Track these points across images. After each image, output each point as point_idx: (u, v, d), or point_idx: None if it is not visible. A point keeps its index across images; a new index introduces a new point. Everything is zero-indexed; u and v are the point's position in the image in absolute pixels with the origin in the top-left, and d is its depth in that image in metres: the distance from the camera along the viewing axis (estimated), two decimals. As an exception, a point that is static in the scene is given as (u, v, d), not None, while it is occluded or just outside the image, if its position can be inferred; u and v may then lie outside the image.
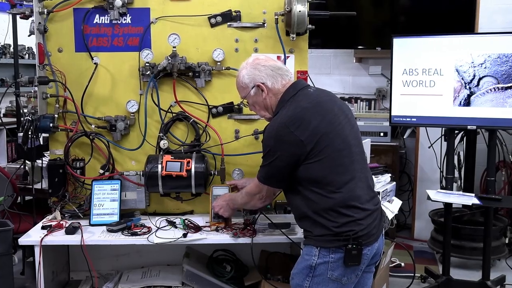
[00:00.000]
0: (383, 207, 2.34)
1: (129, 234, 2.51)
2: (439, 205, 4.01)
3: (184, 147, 2.79)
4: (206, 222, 2.62)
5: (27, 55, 5.46)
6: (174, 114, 2.79)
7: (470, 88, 3.17)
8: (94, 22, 2.75)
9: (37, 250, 2.41)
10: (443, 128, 3.73)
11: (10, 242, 2.50)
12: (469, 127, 3.23)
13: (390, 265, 3.49)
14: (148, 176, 2.62)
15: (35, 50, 2.76)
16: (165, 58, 2.69)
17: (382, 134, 4.55)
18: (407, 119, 3.38)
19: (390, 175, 3.03)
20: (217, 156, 2.79)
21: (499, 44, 3.11)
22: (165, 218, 2.69)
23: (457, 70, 3.19)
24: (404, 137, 4.88)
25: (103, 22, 2.75)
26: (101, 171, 2.74)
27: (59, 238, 2.48)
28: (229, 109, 2.81)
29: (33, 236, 2.48)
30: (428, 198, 3.22)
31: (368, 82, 5.05)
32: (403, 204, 3.77)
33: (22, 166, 3.31)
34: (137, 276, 2.84)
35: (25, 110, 2.68)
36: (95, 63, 2.73)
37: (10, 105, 4.93)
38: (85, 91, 2.74)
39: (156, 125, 2.79)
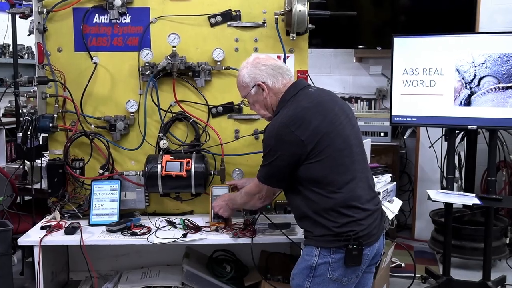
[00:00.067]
0: (383, 207, 2.33)
1: (129, 234, 2.51)
2: (440, 205, 4.00)
3: (184, 147, 2.78)
4: (206, 222, 2.62)
5: (26, 54, 5.46)
6: (173, 114, 2.78)
7: (470, 88, 3.17)
8: (94, 21, 2.74)
9: (36, 250, 2.40)
10: (444, 128, 3.73)
11: (9, 242, 2.49)
12: (469, 127, 3.23)
13: (390, 266, 3.49)
14: (148, 176, 2.61)
15: (34, 49, 2.76)
16: (164, 57, 2.68)
17: (382, 134, 4.54)
18: (408, 119, 3.37)
19: (390, 175, 3.02)
20: (217, 156, 2.78)
21: (499, 44, 3.10)
22: (164, 218, 2.68)
23: (457, 70, 3.19)
24: (405, 137, 4.88)
25: (102, 21, 2.75)
26: (101, 171, 2.73)
27: (58, 238, 2.48)
28: (229, 109, 2.80)
29: (33, 236, 2.47)
30: (429, 198, 3.22)
31: (369, 82, 5.05)
32: (404, 204, 3.76)
33: (21, 166, 3.30)
34: (137, 276, 2.84)
35: (25, 110, 2.68)
36: (94, 63, 2.72)
37: (9, 105, 4.93)
38: (84, 91, 2.74)
39: (156, 125, 2.78)
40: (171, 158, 2.62)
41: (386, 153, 4.48)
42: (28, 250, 3.06)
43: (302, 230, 2.20)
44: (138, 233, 2.52)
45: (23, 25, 3.36)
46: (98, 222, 2.62)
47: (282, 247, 2.85)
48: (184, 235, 2.47)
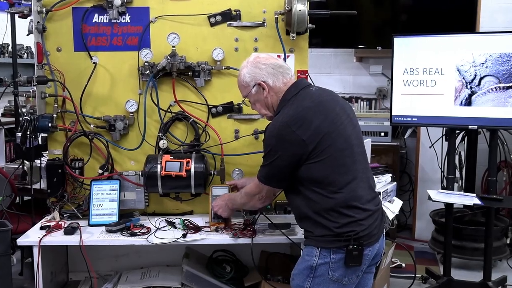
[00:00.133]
0: (383, 208, 2.33)
1: (128, 235, 2.50)
2: (440, 205, 4.00)
3: (184, 147, 2.77)
4: (206, 223, 2.61)
5: (25, 54, 5.45)
6: (173, 114, 2.78)
7: (471, 87, 3.16)
8: (93, 21, 2.74)
9: (35, 251, 2.40)
10: (444, 128, 3.73)
11: (9, 243, 2.49)
12: (470, 127, 3.22)
13: (390, 266, 3.48)
14: (148, 176, 2.61)
15: (33, 49, 2.75)
16: (164, 57, 2.67)
17: (382, 134, 4.54)
18: (408, 119, 3.37)
19: (390, 175, 3.02)
20: (216, 156, 2.77)
21: (500, 44, 3.09)
22: (164, 219, 2.68)
23: (458, 70, 3.18)
24: (405, 137, 4.87)
25: (102, 21, 2.74)
26: (100, 171, 2.72)
27: (57, 238, 2.47)
28: (228, 109, 2.80)
29: (32, 236, 2.46)
30: (429, 198, 3.21)
31: (369, 82, 5.04)
32: (404, 204, 3.76)
33: (20, 166, 3.30)
34: (136, 276, 2.83)
35: (24, 110, 2.67)
36: (94, 63, 2.72)
37: (8, 104, 4.92)
38: (84, 91, 2.73)
39: (156, 125, 2.78)
40: (170, 158, 2.62)
41: (387, 153, 4.48)
42: (27, 250, 3.07)
43: (302, 230, 2.20)
44: (138, 233, 2.51)
45: (22, 25, 3.36)
46: (97, 222, 2.61)
47: (282, 247, 2.85)
48: (184, 235, 2.47)
